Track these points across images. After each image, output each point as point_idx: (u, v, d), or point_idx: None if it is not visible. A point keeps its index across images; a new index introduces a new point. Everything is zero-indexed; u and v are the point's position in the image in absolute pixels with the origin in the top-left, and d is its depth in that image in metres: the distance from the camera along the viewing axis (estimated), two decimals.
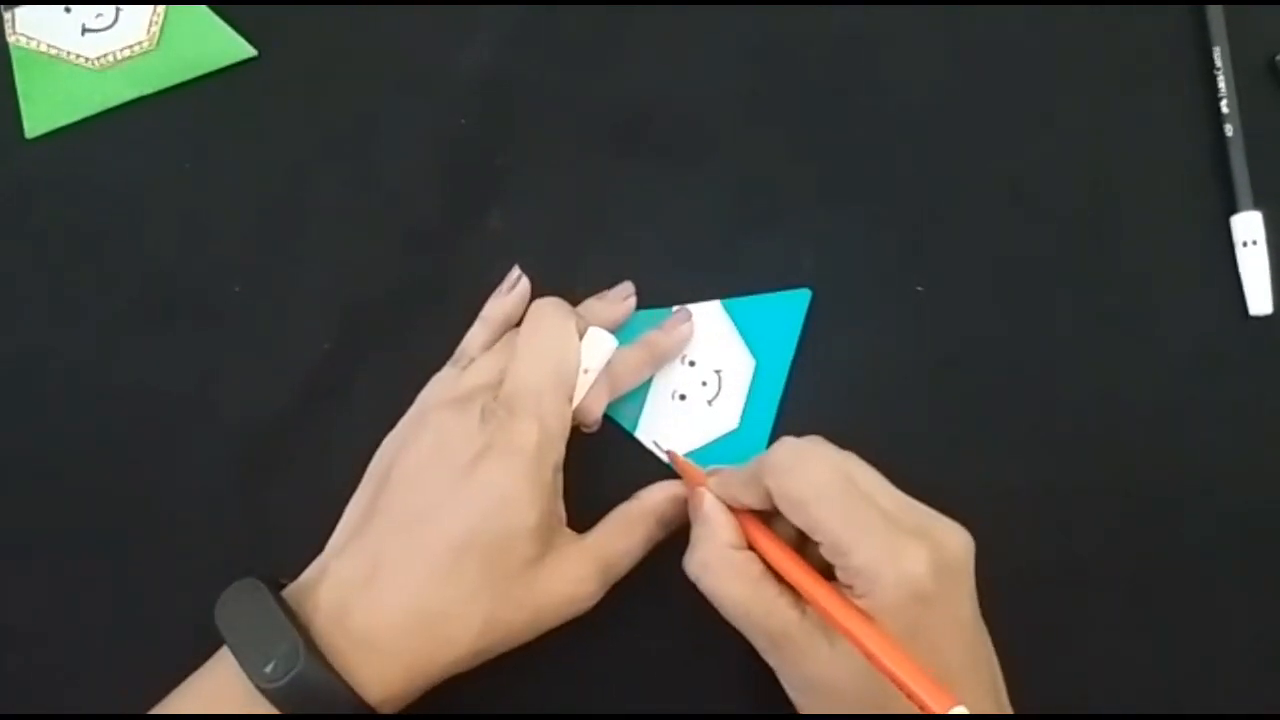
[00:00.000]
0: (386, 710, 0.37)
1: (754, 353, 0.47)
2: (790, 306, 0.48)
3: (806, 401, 0.47)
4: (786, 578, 0.38)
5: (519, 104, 0.52)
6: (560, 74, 0.52)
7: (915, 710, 0.33)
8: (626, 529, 0.42)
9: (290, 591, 0.39)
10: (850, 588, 0.36)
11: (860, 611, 0.35)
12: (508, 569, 0.38)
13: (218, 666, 0.38)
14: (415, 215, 0.50)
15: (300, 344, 0.49)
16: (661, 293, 0.48)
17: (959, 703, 0.32)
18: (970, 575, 0.37)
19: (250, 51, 0.53)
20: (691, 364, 0.47)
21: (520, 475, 0.39)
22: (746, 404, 0.47)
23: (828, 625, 0.36)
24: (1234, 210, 0.49)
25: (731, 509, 0.41)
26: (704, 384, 0.47)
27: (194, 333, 0.49)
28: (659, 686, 0.45)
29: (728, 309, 0.48)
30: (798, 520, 0.37)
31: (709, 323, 0.48)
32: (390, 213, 0.50)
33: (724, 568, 0.39)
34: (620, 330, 0.47)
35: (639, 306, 0.48)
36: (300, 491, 0.46)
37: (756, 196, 0.50)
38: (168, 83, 0.52)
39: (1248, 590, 0.46)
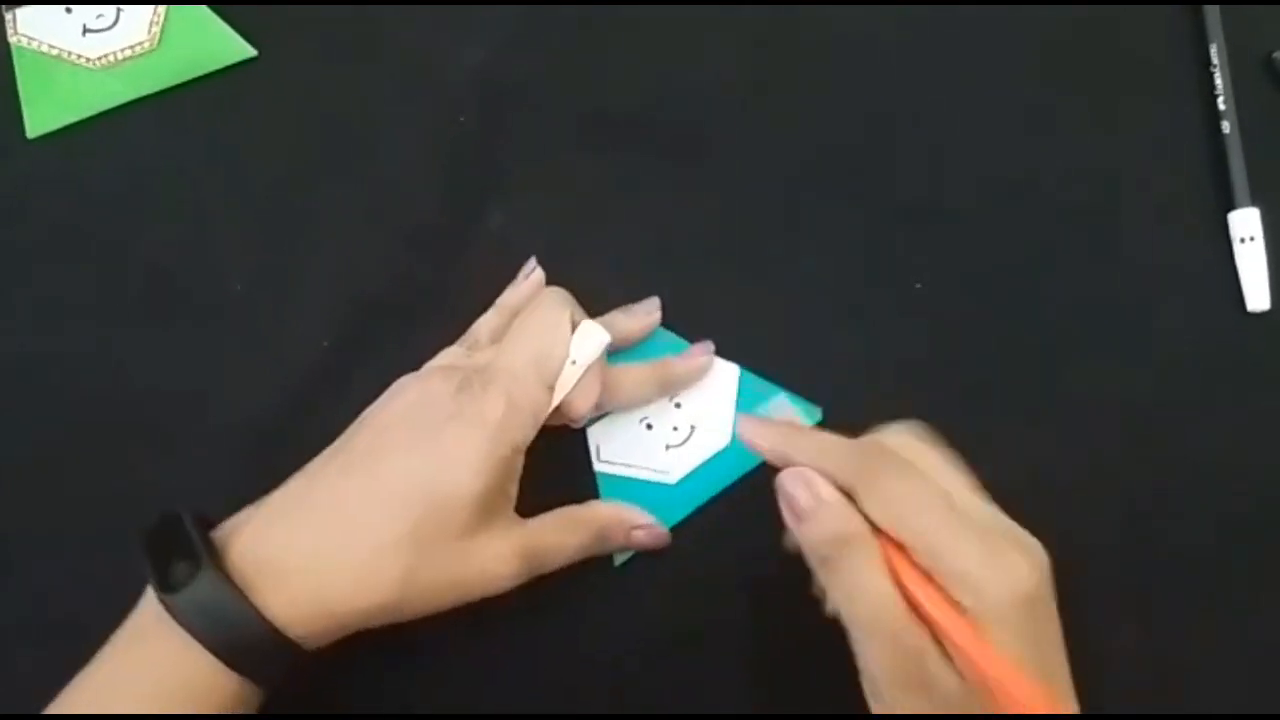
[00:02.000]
0: (308, 645, 0.38)
1: (735, 433, 0.46)
2: (797, 414, 0.47)
3: (809, 395, 0.47)
4: (904, 579, 0.35)
5: (518, 102, 0.52)
6: (560, 72, 0.52)
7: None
8: (566, 527, 0.43)
9: (227, 523, 0.40)
10: (953, 600, 0.34)
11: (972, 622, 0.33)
12: (438, 532, 0.39)
13: (145, 604, 0.38)
14: (415, 214, 0.50)
15: (300, 343, 0.49)
16: (661, 288, 0.48)
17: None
18: (1052, 593, 0.35)
19: (250, 51, 0.53)
20: (677, 405, 0.47)
21: (475, 446, 0.39)
22: (696, 470, 0.46)
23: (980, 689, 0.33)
24: (1231, 207, 0.49)
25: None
26: (674, 429, 0.47)
27: (194, 332, 0.49)
28: (658, 686, 0.46)
29: (741, 380, 0.47)
30: (883, 519, 0.35)
31: (716, 380, 0.47)
32: (390, 211, 0.50)
33: (869, 555, 0.35)
34: (639, 347, 0.47)
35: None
36: None
37: (757, 195, 0.50)
38: (168, 83, 0.53)
39: (1246, 588, 0.46)
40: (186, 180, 0.51)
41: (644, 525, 0.45)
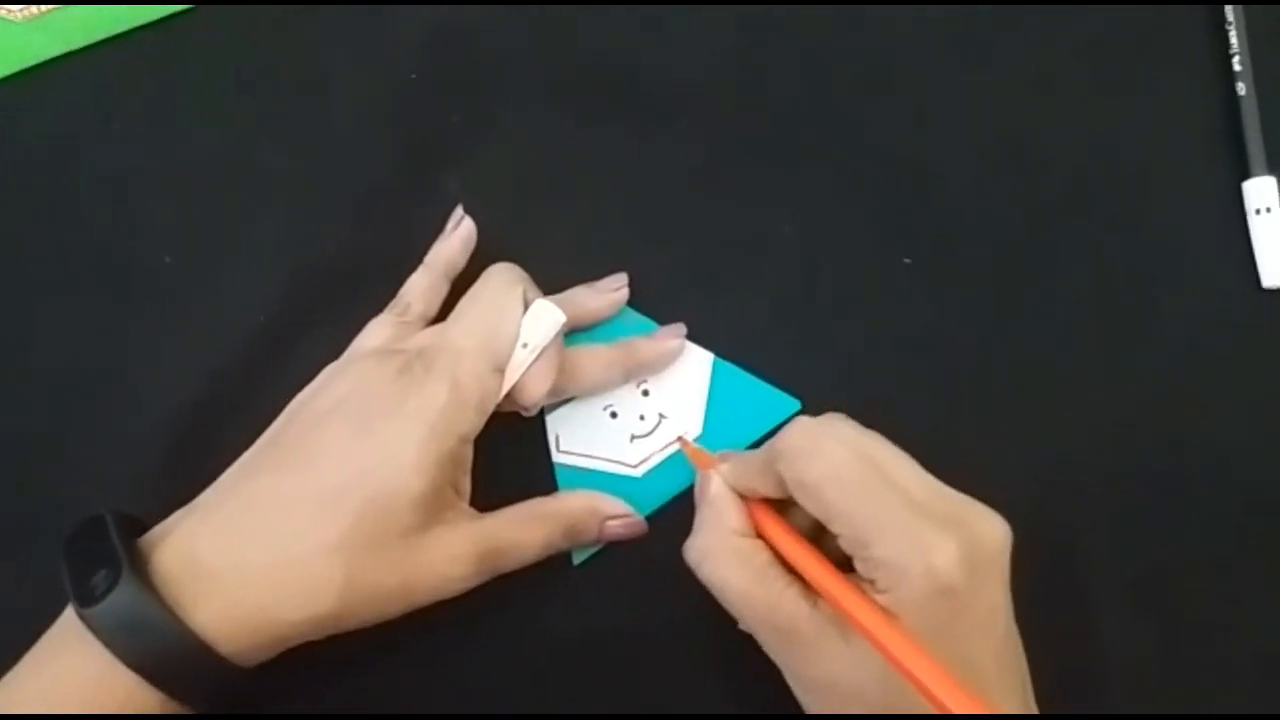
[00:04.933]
0: (240, 662, 0.36)
1: (706, 423, 0.44)
2: (773, 407, 0.44)
3: (787, 382, 0.45)
4: (797, 568, 0.36)
5: (474, 59, 0.49)
6: (520, 26, 0.49)
7: (935, 713, 0.31)
8: (528, 523, 0.41)
9: (156, 527, 0.38)
10: (872, 583, 0.34)
11: (878, 607, 0.33)
12: (380, 532, 0.36)
13: (67, 616, 0.36)
14: (361, 179, 0.48)
15: (236, 318, 0.46)
16: (629, 265, 0.46)
17: (984, 706, 0.30)
18: (1004, 570, 0.34)
19: (184, 3, 0.49)
20: (645, 393, 0.45)
21: (416, 440, 0.37)
22: (664, 463, 0.44)
23: (843, 621, 0.34)
24: (1246, 175, 0.46)
25: (742, 497, 0.39)
26: (641, 418, 0.44)
27: (118, 306, 0.47)
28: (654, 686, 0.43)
29: (715, 369, 0.45)
30: (814, 508, 0.35)
31: (687, 366, 0.45)
32: (334, 176, 0.48)
33: (727, 554, 0.37)
34: (603, 327, 0.45)
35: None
36: None
37: (733, 162, 0.48)
38: (95, 37, 0.49)
39: (1263, 573, 0.44)
40: (114, 141, 0.48)
41: (619, 515, 0.42)
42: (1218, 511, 0.44)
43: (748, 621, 0.36)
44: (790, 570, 0.36)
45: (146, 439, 0.45)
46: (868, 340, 0.46)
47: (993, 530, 0.35)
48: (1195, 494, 0.44)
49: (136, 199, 0.48)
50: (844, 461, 0.35)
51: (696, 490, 0.39)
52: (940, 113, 0.48)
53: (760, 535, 0.38)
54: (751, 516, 0.38)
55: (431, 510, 0.38)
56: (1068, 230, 0.47)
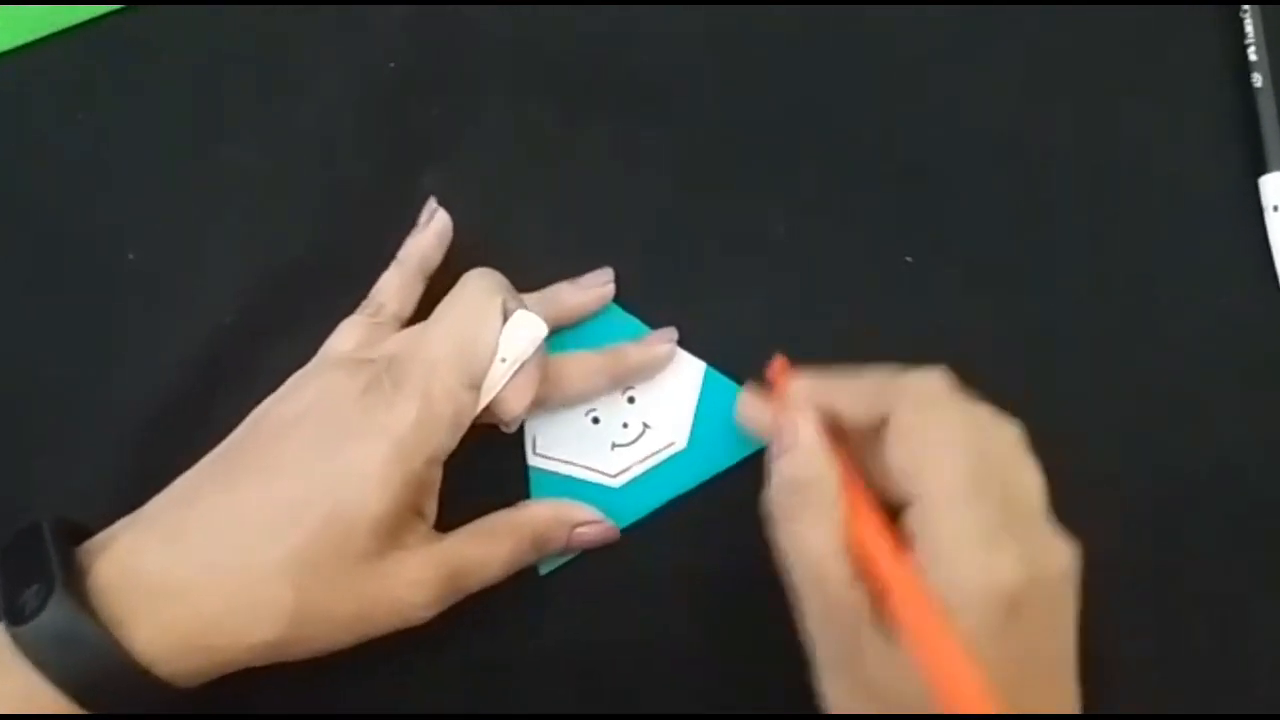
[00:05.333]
0: (181, 684, 0.34)
1: (692, 438, 0.42)
2: None
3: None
4: (862, 537, 0.33)
5: (458, 48, 0.47)
6: (507, 15, 0.47)
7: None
8: (489, 539, 0.39)
9: (98, 536, 0.36)
10: (920, 569, 0.32)
11: (931, 602, 0.31)
12: (336, 556, 0.35)
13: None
14: (335, 173, 0.46)
15: (201, 319, 0.44)
16: (614, 265, 0.44)
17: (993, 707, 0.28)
18: (1071, 601, 0.33)
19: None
20: (630, 400, 0.43)
21: (381, 460, 0.35)
22: (645, 475, 0.42)
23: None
24: (1263, 170, 0.44)
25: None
26: (624, 425, 0.42)
27: (78, 306, 0.45)
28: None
29: (706, 379, 0.43)
30: (903, 459, 0.33)
31: (677, 375, 0.43)
32: (307, 170, 0.46)
33: (823, 526, 0.34)
34: (590, 329, 0.43)
35: (616, 297, 0.44)
36: None
37: (724, 159, 0.46)
38: (60, 25, 0.47)
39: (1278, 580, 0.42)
40: (77, 133, 0.47)
41: (589, 522, 0.41)
42: (1230, 518, 0.43)
43: (807, 596, 0.34)
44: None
45: (105, 445, 0.43)
46: (866, 343, 0.43)
47: (1064, 557, 0.33)
48: (1208, 501, 0.43)
49: (98, 193, 0.46)
50: (967, 432, 0.33)
51: (785, 426, 0.36)
52: (942, 106, 0.46)
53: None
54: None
55: (391, 534, 0.36)
56: (1075, 228, 0.45)
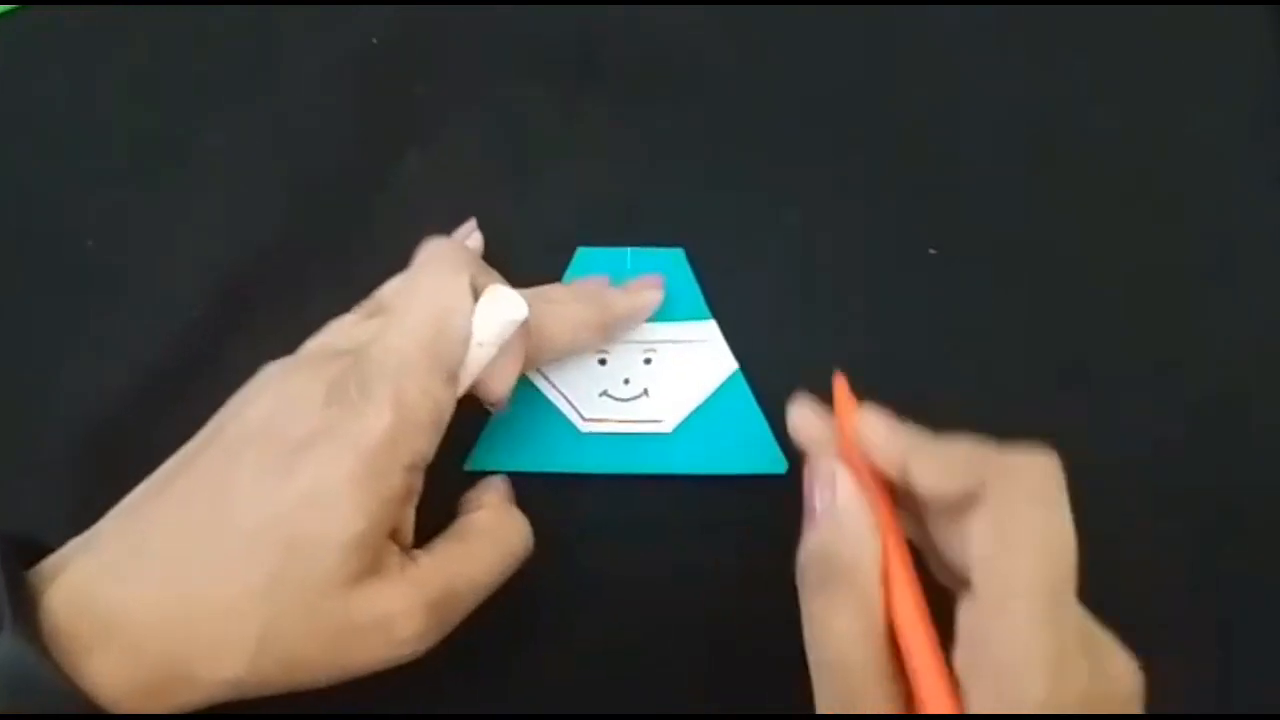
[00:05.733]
0: None
1: (681, 428, 0.40)
2: (757, 455, 0.40)
3: (794, 385, 0.40)
4: (897, 623, 0.31)
5: (445, 21, 0.46)
6: None
7: None
8: (471, 545, 0.36)
9: (49, 560, 0.33)
10: (958, 677, 0.29)
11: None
12: (305, 585, 0.32)
13: None
14: (312, 157, 0.44)
15: (167, 313, 0.42)
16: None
17: None
18: None
19: None
20: (647, 360, 0.41)
21: (350, 475, 0.32)
22: (612, 437, 0.40)
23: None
24: None
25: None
26: (626, 381, 0.41)
27: (35, 298, 0.43)
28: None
29: (730, 380, 0.41)
30: (979, 548, 0.30)
31: (705, 360, 0.41)
32: (282, 152, 0.44)
33: (852, 597, 0.31)
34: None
35: (594, 243, 0.42)
36: None
37: (731, 140, 0.45)
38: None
39: None
40: (36, 111, 0.45)
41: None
42: (1268, 527, 0.41)
43: (826, 681, 0.31)
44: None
45: (60, 448, 0.41)
46: (885, 339, 0.42)
47: (1131, 680, 0.30)
48: (1242, 509, 0.41)
49: (56, 175, 0.44)
50: (1061, 541, 0.30)
51: (821, 479, 0.33)
52: (970, 92, 0.45)
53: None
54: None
55: (368, 558, 0.33)
56: (1107, 222, 0.43)
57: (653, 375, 0.41)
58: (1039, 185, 0.44)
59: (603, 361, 0.41)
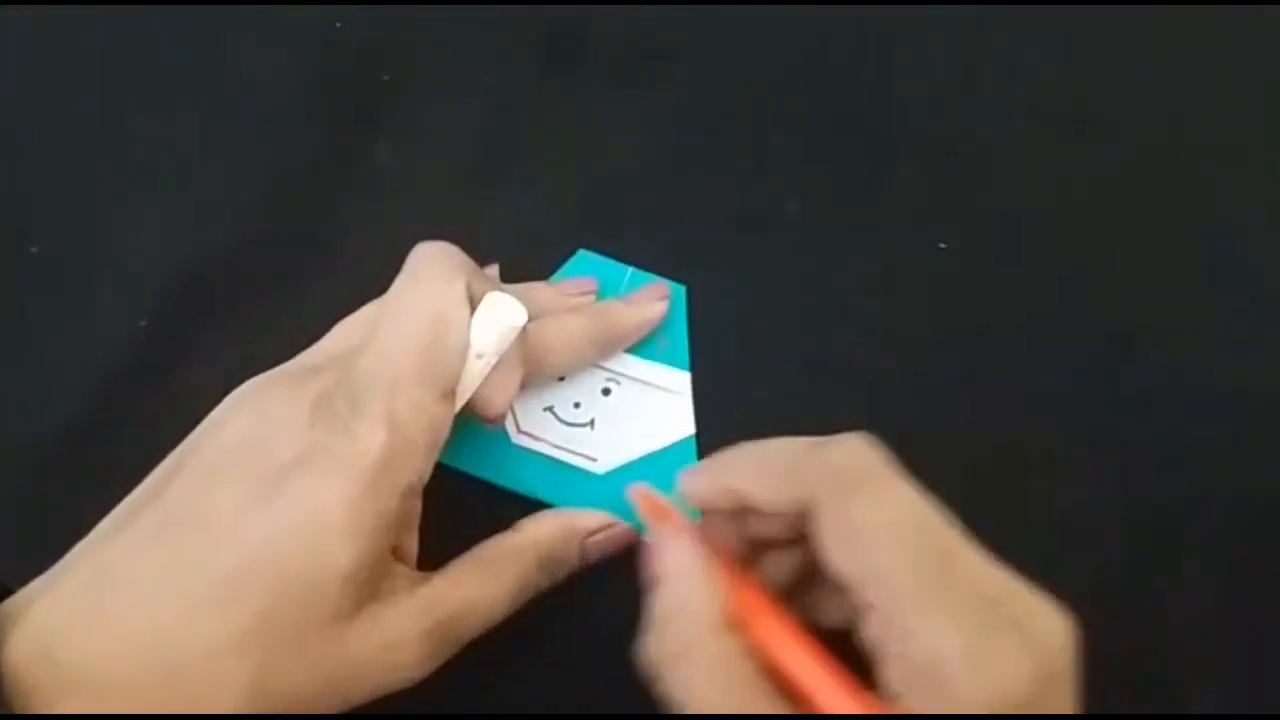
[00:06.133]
0: None
1: (614, 474, 0.38)
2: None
3: (790, 395, 0.40)
4: (784, 669, 0.29)
5: (411, 4, 0.45)
6: None
7: None
8: (486, 572, 0.34)
9: (6, 604, 0.32)
10: (896, 695, 0.27)
11: None
12: (301, 621, 0.31)
13: None
14: (273, 148, 0.43)
15: (110, 322, 0.41)
16: (603, 252, 0.42)
17: None
18: (1073, 681, 0.29)
19: None
20: (605, 391, 0.39)
21: (344, 500, 0.31)
22: (541, 458, 0.38)
23: None
24: None
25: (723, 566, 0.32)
26: (576, 405, 0.39)
27: None
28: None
29: (681, 443, 0.39)
30: (845, 561, 0.29)
31: (665, 413, 0.39)
32: (239, 146, 0.43)
33: (702, 663, 0.30)
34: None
35: (579, 241, 0.41)
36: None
37: (722, 127, 0.44)
38: None
39: None
40: None
41: (600, 528, 0.36)
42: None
43: None
44: (777, 673, 0.30)
45: (8, 472, 0.39)
46: (890, 340, 0.41)
47: (1060, 633, 0.29)
48: (1265, 523, 0.39)
49: None
50: (921, 509, 0.28)
51: (651, 557, 0.32)
52: (979, 76, 0.44)
53: (743, 624, 0.31)
54: (733, 593, 0.31)
55: (367, 586, 0.31)
56: (1132, 214, 0.42)
57: (605, 409, 0.39)
58: (1061, 177, 0.43)
59: (561, 377, 0.39)
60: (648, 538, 0.33)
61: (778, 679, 0.29)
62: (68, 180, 0.43)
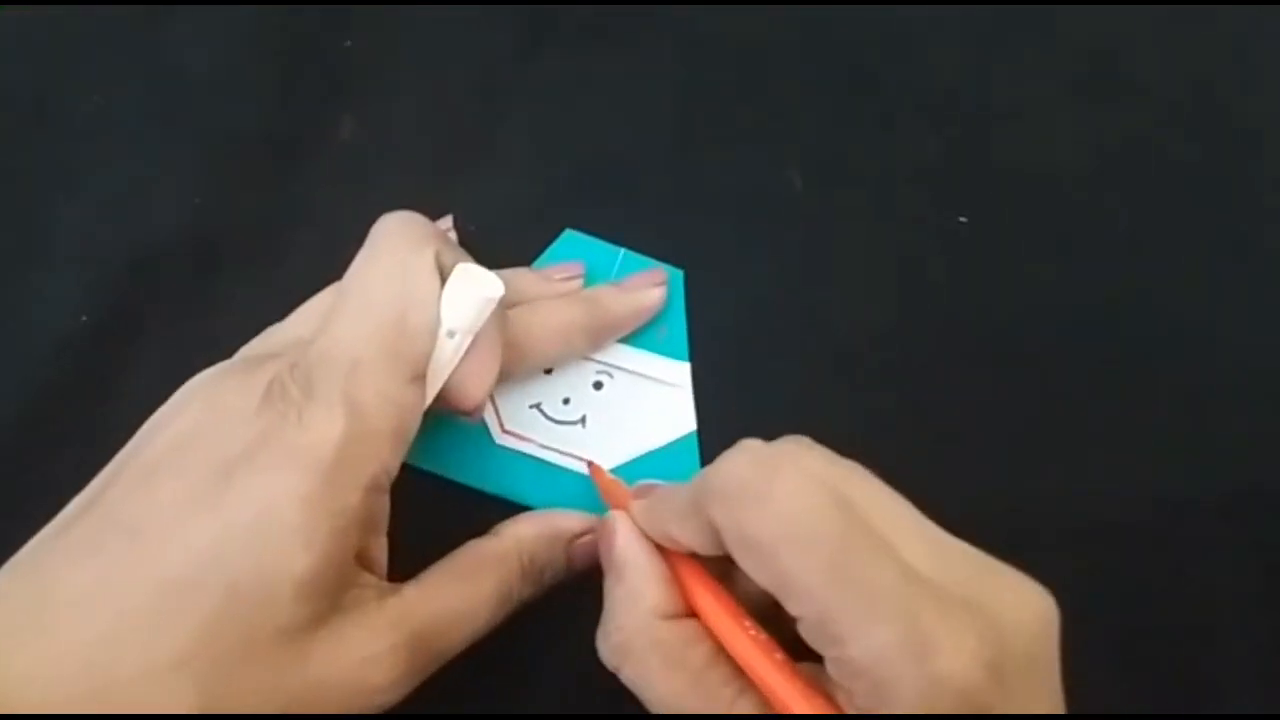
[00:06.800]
0: None
1: (622, 469, 0.36)
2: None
3: (792, 379, 0.38)
4: (741, 665, 0.29)
5: None
6: None
7: None
8: (463, 580, 0.33)
9: None
10: (848, 691, 0.27)
11: None
12: (250, 635, 0.28)
13: None
14: (228, 123, 0.41)
15: (48, 317, 0.38)
16: (594, 231, 0.40)
17: None
18: (1052, 665, 0.27)
19: None
20: (597, 385, 0.37)
21: (297, 496, 0.29)
22: (526, 458, 0.37)
23: None
24: None
25: (665, 550, 0.32)
26: (565, 401, 0.37)
27: None
28: None
29: (682, 441, 0.37)
30: (762, 577, 0.28)
31: (666, 409, 0.37)
32: (190, 121, 0.41)
33: (649, 651, 0.30)
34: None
35: (563, 220, 0.39)
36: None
37: (721, 93, 0.42)
38: None
39: None
40: None
41: (588, 530, 0.35)
42: None
43: None
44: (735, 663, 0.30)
45: None
46: (902, 322, 0.39)
47: (1030, 611, 0.27)
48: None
49: None
50: (810, 511, 0.27)
51: (601, 548, 0.32)
52: (1001, 39, 0.42)
53: (691, 610, 0.31)
54: (678, 579, 0.31)
55: (326, 597, 0.29)
56: (1162, 180, 0.41)
57: (598, 404, 0.37)
58: (1089, 144, 0.41)
59: (548, 370, 0.37)
60: (601, 521, 0.32)
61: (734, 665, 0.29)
62: (3, 162, 0.40)
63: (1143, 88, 0.42)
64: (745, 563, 0.28)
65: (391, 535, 0.33)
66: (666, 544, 0.31)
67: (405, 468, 0.32)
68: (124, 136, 0.41)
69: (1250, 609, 0.37)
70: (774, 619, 0.29)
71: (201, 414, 0.31)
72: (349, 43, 0.42)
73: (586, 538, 0.35)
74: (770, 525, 0.27)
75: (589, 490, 0.36)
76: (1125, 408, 0.39)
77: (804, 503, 0.27)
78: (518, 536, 0.34)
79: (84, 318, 0.38)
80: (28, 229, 0.40)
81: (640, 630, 0.30)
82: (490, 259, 0.36)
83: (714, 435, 0.37)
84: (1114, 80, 0.42)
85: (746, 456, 0.29)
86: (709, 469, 0.29)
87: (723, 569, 0.31)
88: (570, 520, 0.35)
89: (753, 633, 0.29)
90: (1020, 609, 0.27)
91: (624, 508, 0.33)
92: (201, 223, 0.40)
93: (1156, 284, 0.40)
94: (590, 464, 0.36)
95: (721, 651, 0.30)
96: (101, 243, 0.39)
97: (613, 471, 0.36)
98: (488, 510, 0.36)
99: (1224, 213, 0.41)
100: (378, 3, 0.42)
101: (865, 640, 0.26)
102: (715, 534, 0.29)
